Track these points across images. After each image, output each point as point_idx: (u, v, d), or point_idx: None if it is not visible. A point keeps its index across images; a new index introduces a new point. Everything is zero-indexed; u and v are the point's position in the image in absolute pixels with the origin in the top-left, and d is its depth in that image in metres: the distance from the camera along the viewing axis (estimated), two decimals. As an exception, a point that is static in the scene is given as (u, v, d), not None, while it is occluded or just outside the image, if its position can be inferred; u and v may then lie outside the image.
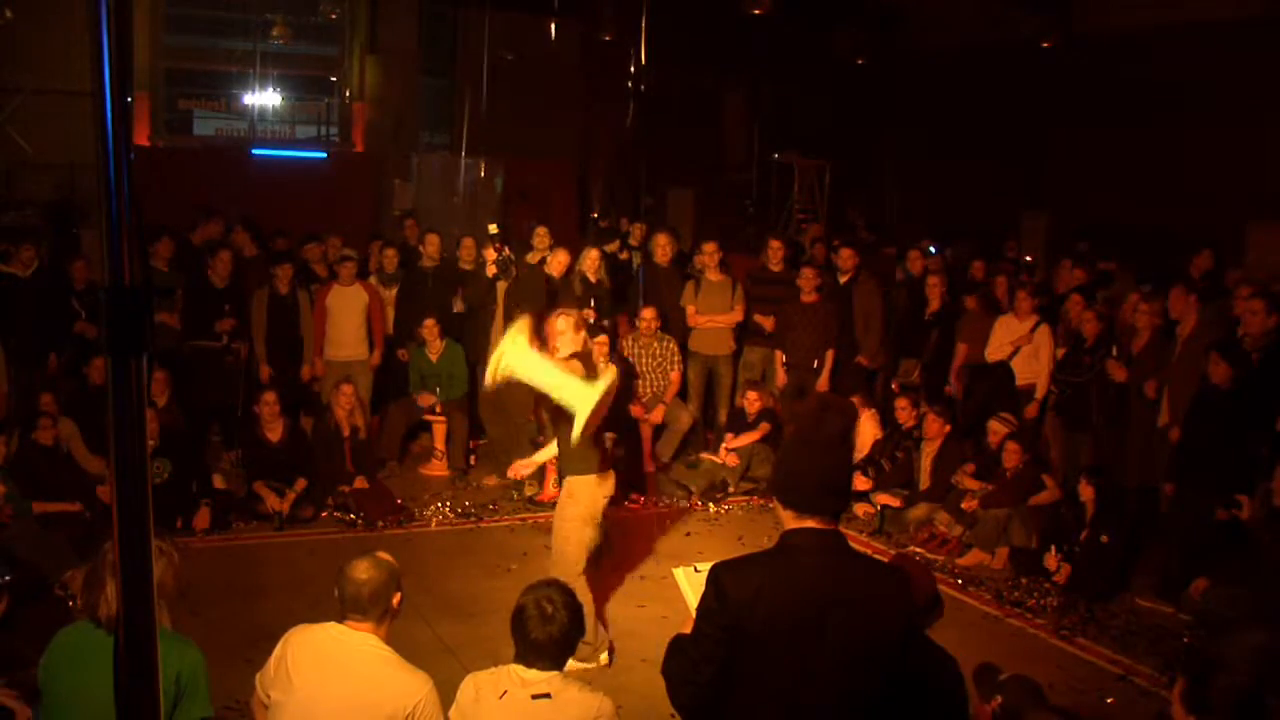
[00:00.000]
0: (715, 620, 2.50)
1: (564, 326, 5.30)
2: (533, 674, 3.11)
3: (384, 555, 3.19)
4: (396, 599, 3.13)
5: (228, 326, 8.43)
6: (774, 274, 9.23)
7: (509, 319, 8.17)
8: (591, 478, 5.31)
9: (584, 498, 5.32)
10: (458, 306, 8.80)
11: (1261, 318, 6.61)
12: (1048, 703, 3.61)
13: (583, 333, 5.43)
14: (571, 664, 5.38)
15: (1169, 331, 7.53)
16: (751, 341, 9.15)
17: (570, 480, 5.36)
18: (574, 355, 5.28)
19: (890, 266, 10.62)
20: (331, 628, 3.10)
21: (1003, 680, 3.59)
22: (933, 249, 10.76)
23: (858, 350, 8.98)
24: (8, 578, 5.31)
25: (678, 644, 2.66)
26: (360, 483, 7.81)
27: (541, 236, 9.19)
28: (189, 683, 2.91)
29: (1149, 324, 7.46)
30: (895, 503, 7.68)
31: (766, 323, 8.94)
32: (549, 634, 3.10)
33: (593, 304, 8.79)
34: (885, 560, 3.69)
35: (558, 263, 8.61)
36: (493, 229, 8.23)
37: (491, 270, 8.08)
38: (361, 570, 3.08)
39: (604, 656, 5.49)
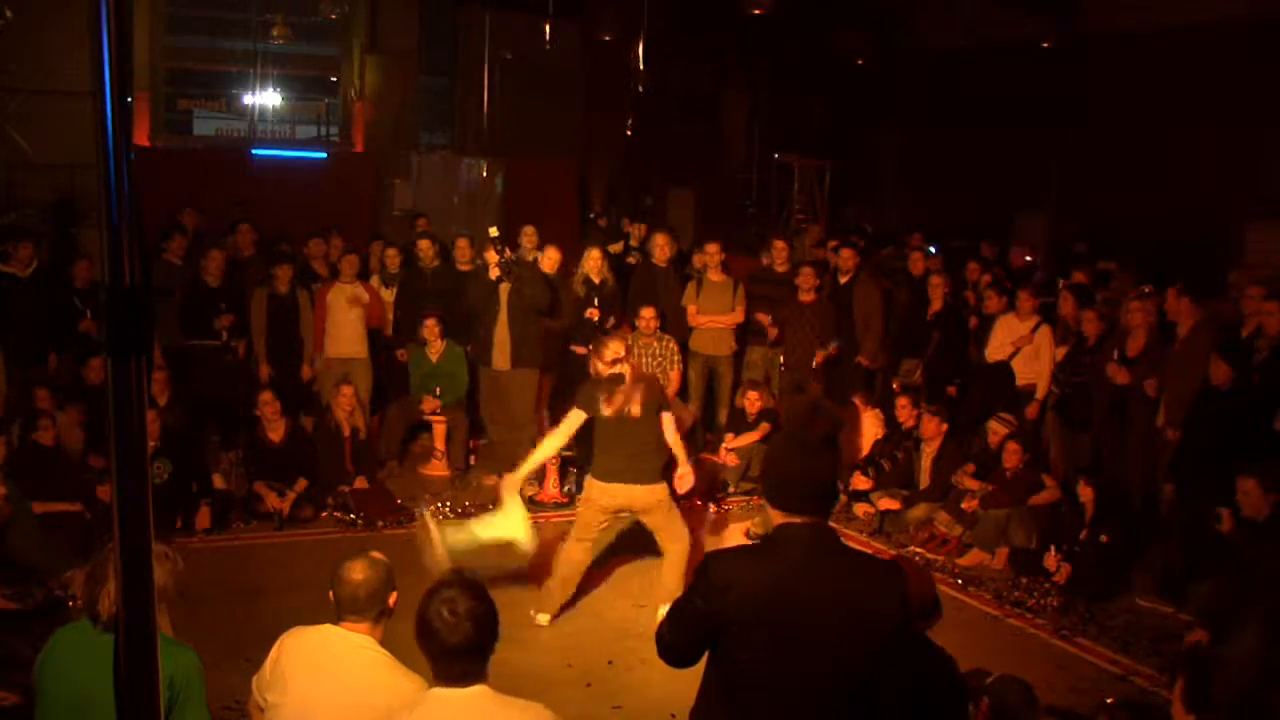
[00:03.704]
0: (698, 610, 2.56)
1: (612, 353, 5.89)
2: (453, 693, 2.61)
3: (378, 555, 3.16)
4: (392, 598, 3.11)
5: (227, 323, 8.43)
6: (779, 274, 9.22)
7: (512, 320, 8.21)
8: (590, 480, 5.97)
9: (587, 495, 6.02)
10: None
11: (1276, 318, 6.62)
12: (1038, 701, 3.60)
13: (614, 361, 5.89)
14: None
15: (1165, 331, 7.55)
16: (754, 341, 9.15)
17: None
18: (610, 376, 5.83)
19: (888, 266, 10.62)
20: (327, 629, 3.08)
21: (990, 682, 3.58)
22: (932, 249, 10.76)
23: (858, 350, 8.98)
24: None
25: (672, 615, 2.70)
26: (360, 483, 7.82)
27: (529, 235, 9.21)
28: (183, 687, 2.90)
29: (1143, 323, 7.47)
30: (895, 505, 7.67)
31: (766, 320, 8.93)
32: (460, 639, 2.59)
33: (596, 303, 8.80)
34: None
35: (549, 260, 8.60)
36: (493, 232, 8.24)
37: (495, 273, 8.08)
38: (357, 570, 3.05)
39: (544, 618, 5.99)
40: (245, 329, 8.58)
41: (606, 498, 5.80)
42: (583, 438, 8.16)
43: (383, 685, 2.96)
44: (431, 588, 2.66)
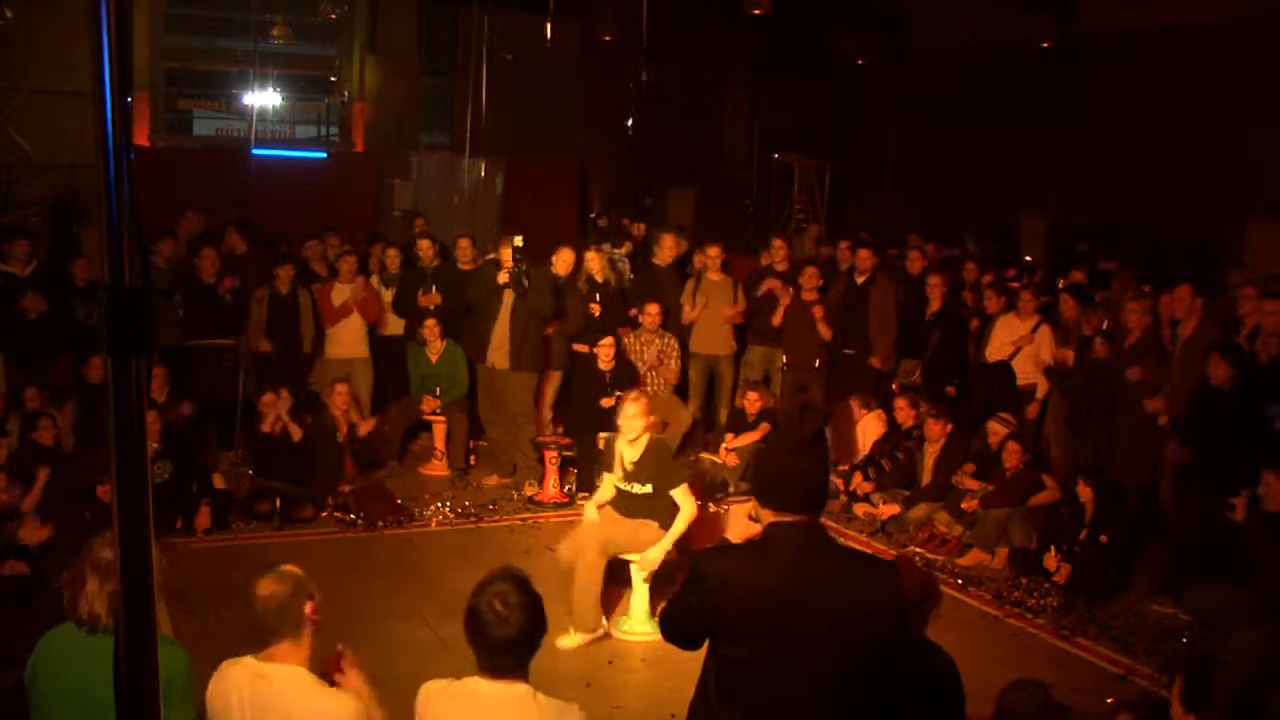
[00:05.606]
0: (693, 607, 2.57)
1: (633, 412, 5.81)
2: (496, 686, 2.68)
3: (289, 567, 3.01)
4: (309, 608, 2.94)
5: (228, 286, 8.51)
6: (779, 273, 9.20)
7: (514, 323, 8.18)
8: None
9: None
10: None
11: (1277, 318, 6.63)
12: (1058, 706, 3.57)
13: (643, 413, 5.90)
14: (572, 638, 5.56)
15: (1161, 329, 7.54)
16: (755, 340, 9.13)
17: None
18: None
19: (892, 266, 10.59)
20: (246, 661, 2.93)
21: (1003, 689, 3.54)
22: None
23: (870, 351, 8.78)
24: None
25: (671, 608, 2.73)
26: (360, 482, 7.82)
27: (564, 258, 8.79)
28: (167, 685, 2.86)
29: (1140, 322, 7.46)
30: (895, 510, 7.64)
31: (777, 284, 8.90)
32: (510, 632, 2.66)
33: (598, 298, 8.80)
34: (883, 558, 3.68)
35: (563, 263, 8.57)
36: (518, 241, 8.19)
37: (503, 278, 8.05)
38: (262, 588, 2.90)
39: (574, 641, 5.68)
40: (235, 324, 8.63)
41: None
42: (583, 436, 8.19)
43: (313, 704, 2.86)
44: (482, 581, 2.72)
